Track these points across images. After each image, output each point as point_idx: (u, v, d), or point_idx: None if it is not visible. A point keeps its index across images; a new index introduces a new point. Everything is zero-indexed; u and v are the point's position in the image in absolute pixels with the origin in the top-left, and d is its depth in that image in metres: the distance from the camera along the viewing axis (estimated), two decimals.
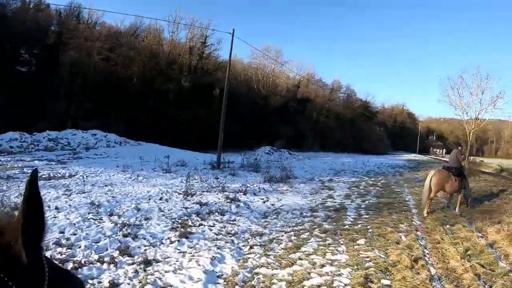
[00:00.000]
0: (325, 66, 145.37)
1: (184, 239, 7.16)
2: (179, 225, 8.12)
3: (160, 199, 10.85)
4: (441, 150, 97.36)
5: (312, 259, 6.44)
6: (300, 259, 6.44)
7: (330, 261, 6.42)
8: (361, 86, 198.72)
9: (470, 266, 6.31)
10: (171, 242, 7.02)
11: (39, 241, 0.98)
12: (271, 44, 69.31)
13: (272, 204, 11.50)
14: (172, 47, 50.16)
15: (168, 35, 51.80)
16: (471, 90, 26.99)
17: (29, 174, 0.94)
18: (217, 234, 7.74)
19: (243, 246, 7.16)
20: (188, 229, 7.84)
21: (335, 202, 12.53)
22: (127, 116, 37.82)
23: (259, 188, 14.33)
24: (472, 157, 27.38)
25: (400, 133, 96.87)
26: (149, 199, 10.68)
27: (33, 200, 0.93)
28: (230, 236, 7.71)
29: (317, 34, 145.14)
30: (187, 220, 8.62)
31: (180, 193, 11.68)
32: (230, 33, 21.49)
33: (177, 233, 7.50)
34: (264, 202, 11.66)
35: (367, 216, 10.39)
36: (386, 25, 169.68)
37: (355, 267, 6.17)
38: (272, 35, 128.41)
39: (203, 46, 52.15)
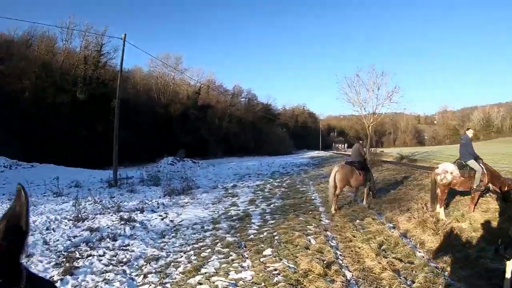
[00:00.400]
0: (227, 72, 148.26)
1: (68, 277, 6.30)
2: (64, 259, 7.19)
3: (47, 229, 9.67)
4: (343, 145, 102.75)
5: (214, 282, 5.90)
6: (200, 283, 5.92)
7: (233, 282, 5.88)
8: (263, 90, 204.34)
9: (387, 262, 6.20)
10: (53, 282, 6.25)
11: (20, 249, 0.98)
12: (171, 52, 69.41)
13: (171, 221, 10.88)
14: (65, 57, 47.33)
15: (62, 43, 48.74)
16: (367, 87, 28.36)
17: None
18: (107, 265, 6.95)
19: (136, 275, 6.45)
20: (74, 263, 6.98)
21: (239, 210, 12.24)
22: (19, 135, 34.36)
23: (158, 203, 13.62)
24: (373, 149, 28.92)
25: (302, 133, 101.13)
26: (34, 231, 9.44)
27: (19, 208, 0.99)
28: (122, 265, 6.95)
29: (217, 39, 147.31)
30: (74, 251, 7.71)
31: (71, 219, 10.59)
32: (121, 39, 20.60)
33: (61, 270, 6.61)
34: (162, 219, 10.99)
35: (272, 222, 10.14)
36: (283, 29, 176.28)
37: (262, 284, 5.70)
38: (173, 42, 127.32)
39: (99, 54, 50.08)
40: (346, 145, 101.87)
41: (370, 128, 29.06)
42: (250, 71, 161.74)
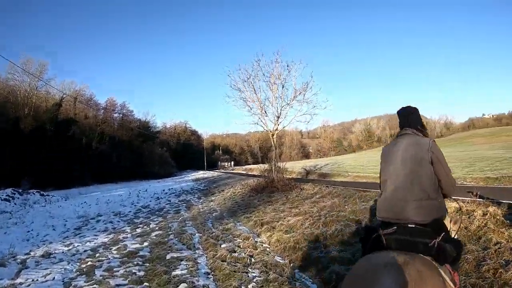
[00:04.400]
0: (102, 84, 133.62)
1: None
2: None
3: None
4: (229, 163, 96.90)
5: None
6: None
7: None
8: (140, 105, 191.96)
9: None
10: None
11: None
12: (35, 57, 56.63)
13: None
14: None
15: None
16: (270, 81, 21.38)
17: None
18: None
19: None
20: None
21: None
22: None
23: None
24: (280, 164, 21.57)
25: (185, 152, 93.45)
26: None
27: None
28: None
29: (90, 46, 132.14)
30: None
31: None
32: None
33: None
34: None
35: None
36: (165, 41, 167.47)
37: None
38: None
39: None
40: (232, 162, 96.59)
41: (274, 137, 21.70)
42: (126, 82, 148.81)
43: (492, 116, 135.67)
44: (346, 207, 11.17)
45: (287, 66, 20.92)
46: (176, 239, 10.07)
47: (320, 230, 8.71)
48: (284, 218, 11.16)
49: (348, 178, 23.42)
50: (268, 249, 8.37)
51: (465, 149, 49.92)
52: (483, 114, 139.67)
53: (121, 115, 71.51)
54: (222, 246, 8.67)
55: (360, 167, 30.53)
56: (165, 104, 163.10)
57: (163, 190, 29.93)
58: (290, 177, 22.98)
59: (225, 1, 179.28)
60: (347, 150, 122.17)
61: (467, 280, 4.96)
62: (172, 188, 31.57)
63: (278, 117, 21.08)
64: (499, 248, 5.68)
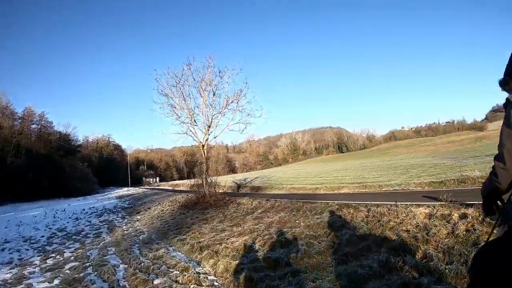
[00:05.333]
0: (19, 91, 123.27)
1: None
2: None
3: None
4: (154, 179, 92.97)
5: None
6: None
7: None
8: (61, 117, 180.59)
9: None
10: None
11: None
12: None
13: None
14: None
15: None
16: (201, 87, 20.03)
17: None
18: None
19: None
20: None
21: None
22: None
23: None
24: (210, 178, 20.03)
25: (108, 167, 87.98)
26: None
27: None
28: None
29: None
30: None
31: None
32: None
33: None
34: None
35: None
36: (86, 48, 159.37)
37: None
38: None
39: None
40: (158, 178, 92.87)
41: (205, 148, 20.16)
42: (45, 91, 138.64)
43: (411, 128, 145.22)
44: (297, 222, 9.89)
45: (219, 72, 19.64)
46: (95, 273, 8.02)
47: (278, 253, 7.19)
48: (227, 239, 9.56)
49: (283, 190, 22.75)
50: (216, 284, 6.55)
51: (391, 158, 51.53)
52: (403, 127, 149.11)
53: (39, 126, 65.30)
54: (155, 282, 6.76)
55: (293, 179, 30.27)
56: (88, 116, 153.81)
57: (83, 210, 27.02)
58: (223, 191, 21.55)
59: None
60: (273, 163, 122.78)
61: None
62: (93, 207, 28.69)
63: (209, 126, 19.69)
64: None
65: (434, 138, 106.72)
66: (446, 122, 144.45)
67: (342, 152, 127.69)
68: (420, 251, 5.87)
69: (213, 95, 19.82)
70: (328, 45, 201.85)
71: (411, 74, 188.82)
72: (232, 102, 19.81)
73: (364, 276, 5.19)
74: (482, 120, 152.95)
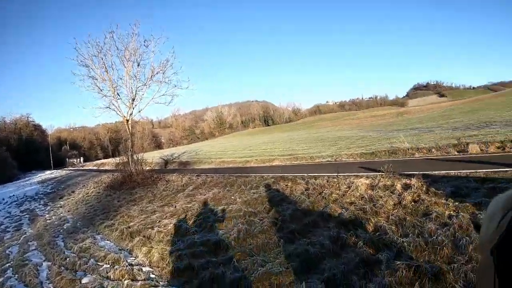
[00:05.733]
0: None
1: None
2: None
3: None
4: (78, 159, 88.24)
5: None
6: None
7: None
8: None
9: None
10: None
11: None
12: None
13: None
14: None
15: None
16: (124, 56, 18.47)
17: None
18: None
19: None
20: None
21: None
22: None
23: None
24: (137, 155, 19.06)
25: (28, 150, 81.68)
26: None
27: None
28: None
29: None
30: None
31: None
32: None
33: None
34: None
35: None
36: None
37: None
38: None
39: None
40: (82, 158, 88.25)
41: (129, 123, 18.94)
42: None
43: (335, 102, 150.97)
44: (233, 198, 9.37)
45: (144, 41, 18.38)
46: (16, 276, 6.92)
47: (217, 235, 6.57)
48: (159, 221, 8.82)
49: (213, 164, 22.61)
50: (153, 276, 5.72)
51: (317, 131, 52.44)
52: (327, 101, 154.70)
53: None
54: (84, 281, 5.78)
55: (221, 153, 30.16)
56: (4, 94, 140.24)
57: (3, 199, 24.79)
58: (150, 168, 20.47)
59: None
60: (199, 138, 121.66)
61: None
62: (13, 196, 26.45)
63: (133, 100, 18.46)
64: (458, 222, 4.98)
65: (358, 113, 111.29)
66: (369, 98, 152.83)
67: (268, 125, 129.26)
68: (371, 224, 5.56)
69: (138, 65, 18.57)
70: (249, 15, 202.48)
71: (336, 50, 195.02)
72: (157, 73, 18.70)
73: (317, 255, 4.74)
74: (404, 96, 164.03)
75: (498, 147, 12.75)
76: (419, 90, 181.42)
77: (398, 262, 4.04)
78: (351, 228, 5.45)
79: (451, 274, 3.70)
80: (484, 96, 74.38)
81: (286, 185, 9.34)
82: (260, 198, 8.40)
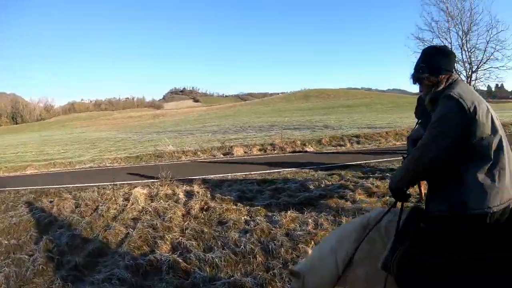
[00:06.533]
0: None
1: None
2: None
3: None
4: None
5: None
6: None
7: None
8: None
9: None
10: None
11: None
12: None
13: None
14: None
15: None
16: None
17: None
18: None
19: None
20: None
21: None
22: None
23: None
24: None
25: None
26: None
27: None
28: None
29: None
30: None
31: None
32: None
33: None
34: None
35: None
36: None
37: None
38: None
39: None
40: None
41: None
42: None
43: (91, 101, 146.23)
44: None
45: None
46: None
47: None
48: None
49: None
50: None
51: (72, 131, 49.25)
52: (82, 99, 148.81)
53: None
54: None
55: None
56: None
57: None
58: None
59: None
60: None
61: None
62: None
63: None
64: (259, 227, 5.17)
65: (114, 113, 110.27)
66: (126, 98, 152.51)
67: (17, 124, 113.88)
68: (168, 243, 5.06)
69: None
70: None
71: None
72: None
73: None
74: (160, 99, 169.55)
75: (260, 149, 14.34)
76: (175, 94, 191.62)
77: (218, 283, 3.74)
78: (147, 251, 4.87)
79: (277, 281, 3.65)
80: (236, 104, 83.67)
81: (51, 202, 7.92)
82: (23, 223, 6.57)
